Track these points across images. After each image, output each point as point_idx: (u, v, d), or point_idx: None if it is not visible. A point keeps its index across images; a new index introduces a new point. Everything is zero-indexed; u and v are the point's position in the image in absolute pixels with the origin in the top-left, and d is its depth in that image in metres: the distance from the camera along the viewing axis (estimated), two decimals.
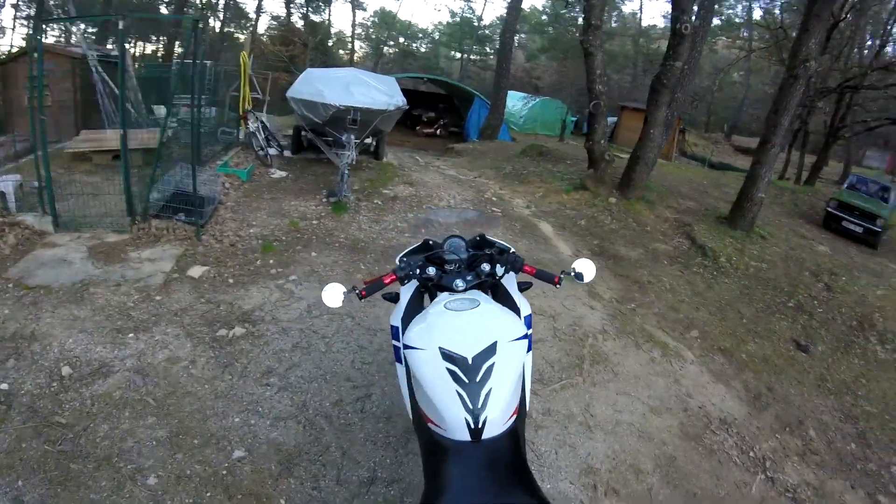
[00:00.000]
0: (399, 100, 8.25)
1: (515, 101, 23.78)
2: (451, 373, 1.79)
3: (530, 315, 2.42)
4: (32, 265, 4.65)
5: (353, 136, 7.50)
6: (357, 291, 2.23)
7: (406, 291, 2.49)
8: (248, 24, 29.90)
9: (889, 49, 19.85)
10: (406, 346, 2.00)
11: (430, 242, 2.76)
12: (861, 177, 14.72)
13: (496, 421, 1.77)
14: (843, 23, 16.78)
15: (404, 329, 2.30)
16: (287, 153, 9.47)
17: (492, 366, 1.82)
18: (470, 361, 1.82)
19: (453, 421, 1.75)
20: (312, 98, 7.59)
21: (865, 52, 21.99)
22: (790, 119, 9.18)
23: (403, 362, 2.21)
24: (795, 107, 9.21)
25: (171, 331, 4.09)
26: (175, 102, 7.24)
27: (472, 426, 1.72)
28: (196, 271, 4.97)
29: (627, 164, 9.81)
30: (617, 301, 6.05)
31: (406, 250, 2.83)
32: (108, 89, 7.57)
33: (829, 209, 12.15)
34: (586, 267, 2.42)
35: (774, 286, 7.42)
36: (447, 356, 1.84)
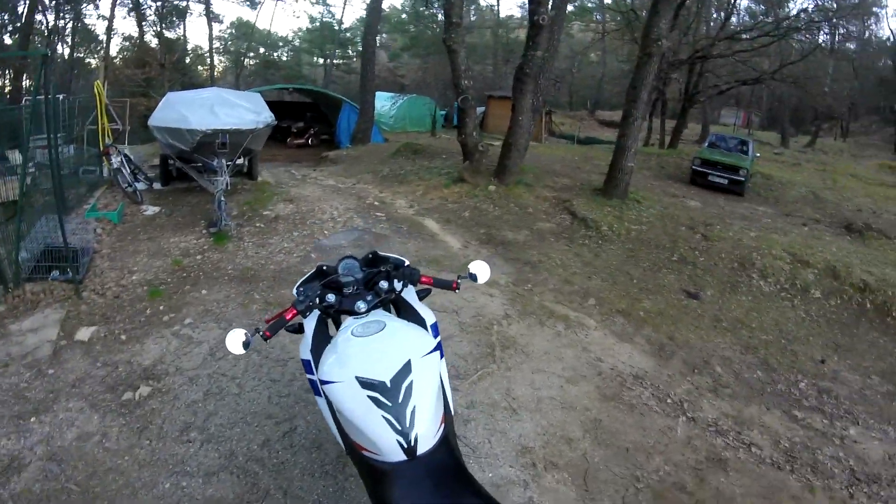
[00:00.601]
0: (267, 116, 8.03)
1: (383, 102, 23.83)
2: (373, 399, 1.83)
3: (436, 323, 2.49)
4: None
5: (224, 161, 7.22)
6: (261, 333, 2.18)
7: (310, 322, 2.43)
8: (99, 48, 26.97)
9: (734, 19, 22.10)
10: (323, 382, 2.02)
11: (325, 268, 2.68)
12: (719, 135, 16.53)
13: (427, 435, 1.84)
14: (689, 0, 18.47)
15: (316, 361, 2.29)
16: (157, 185, 9.00)
17: (410, 384, 1.87)
18: (388, 384, 1.85)
19: (386, 445, 1.79)
20: (177, 125, 7.21)
21: (712, 24, 24.29)
22: (648, 92, 10.03)
23: (323, 395, 2.20)
24: (652, 81, 10.07)
25: (74, 405, 3.92)
26: (30, 145, 6.57)
27: (406, 446, 1.77)
28: (84, 334, 4.71)
29: (501, 152, 10.24)
30: (513, 284, 6.34)
31: (301, 279, 2.77)
32: None
33: (695, 167, 13.54)
34: (480, 268, 2.57)
35: (656, 244, 8.01)
36: (365, 384, 1.87)
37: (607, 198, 9.66)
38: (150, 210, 7.67)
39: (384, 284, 2.42)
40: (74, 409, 3.85)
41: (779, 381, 4.88)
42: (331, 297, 2.34)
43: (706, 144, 15.61)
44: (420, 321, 2.42)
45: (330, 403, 2.09)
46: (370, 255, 2.70)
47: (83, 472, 3.35)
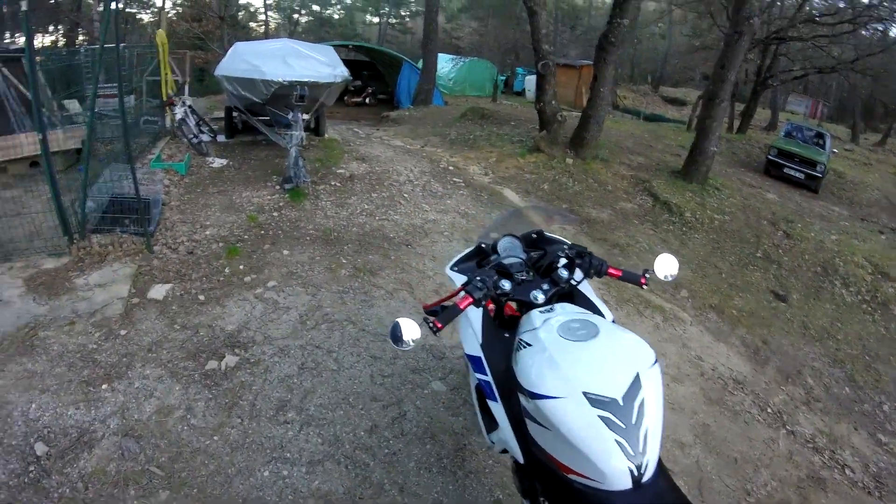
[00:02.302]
0: (343, 70, 7.45)
1: (443, 64, 23.08)
2: (605, 420, 1.55)
3: (614, 320, 2.18)
4: None
5: (299, 114, 6.65)
6: (430, 324, 1.90)
7: (475, 312, 2.20)
8: (152, 2, 26.78)
9: (817, 2, 20.75)
10: (536, 395, 1.68)
11: (483, 246, 2.49)
12: (796, 125, 15.53)
13: (654, 460, 1.59)
14: None
15: (486, 355, 2.10)
16: (221, 138, 8.45)
17: (642, 402, 1.60)
18: (621, 402, 1.58)
19: (614, 472, 1.53)
20: (249, 75, 6.66)
21: (787, 3, 22.93)
22: (736, 73, 9.38)
23: (499, 401, 2.00)
24: (740, 62, 9.46)
25: (151, 372, 3.37)
26: (88, 95, 6.11)
27: (636, 473, 1.52)
28: (158, 292, 4.16)
29: (579, 123, 9.64)
30: None
31: (456, 258, 2.57)
32: (13, 88, 6.25)
33: (770, 157, 12.77)
34: (668, 263, 2.32)
35: (740, 238, 7.71)
36: (595, 401, 1.58)
37: (687, 181, 9.20)
38: (218, 162, 7.12)
39: (564, 273, 2.17)
40: (152, 377, 3.31)
41: (865, 400, 4.85)
42: (505, 285, 2.10)
43: (782, 134, 14.77)
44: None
45: (522, 413, 1.81)
46: (534, 235, 2.49)
47: (167, 453, 2.82)
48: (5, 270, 4.17)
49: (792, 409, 4.36)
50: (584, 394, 1.60)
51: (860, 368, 5.31)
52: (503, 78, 26.27)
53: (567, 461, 1.64)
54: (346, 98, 18.48)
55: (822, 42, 18.21)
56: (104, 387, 3.18)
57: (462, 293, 2.01)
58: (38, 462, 2.68)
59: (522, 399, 1.76)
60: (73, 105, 7.23)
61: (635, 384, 1.62)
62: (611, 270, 2.22)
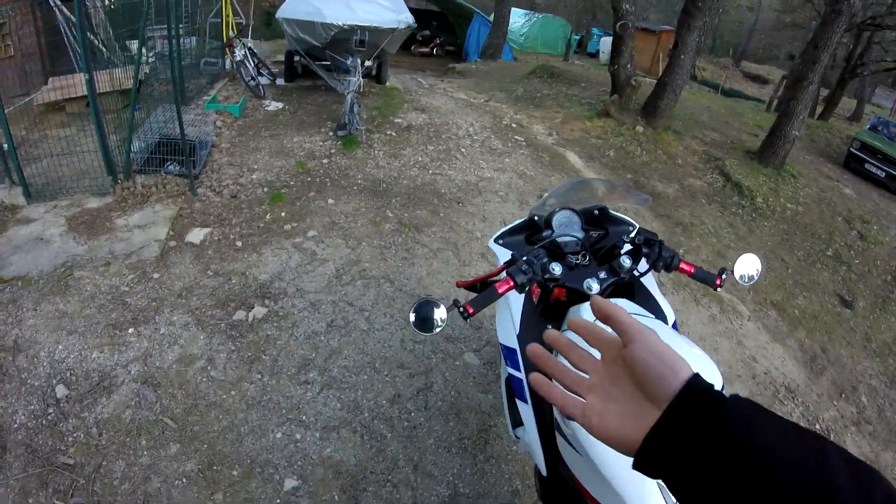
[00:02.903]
0: (407, 16, 7.15)
1: (516, 19, 21.98)
2: None
3: (676, 321, 1.93)
4: (6, 250, 3.74)
5: (359, 60, 6.45)
6: (460, 308, 1.60)
7: (516, 295, 1.88)
8: None
9: None
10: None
11: (535, 218, 2.12)
12: (883, 119, 14.30)
13: None
14: None
15: (523, 349, 1.79)
16: (280, 82, 8.33)
17: None
18: None
19: None
20: (309, 18, 6.48)
21: None
22: (828, 55, 8.59)
23: (529, 402, 1.75)
24: (836, 43, 8.62)
25: (178, 319, 3.31)
26: (150, 35, 6.08)
27: None
28: (196, 235, 4.11)
29: (654, 91, 8.98)
30: None
31: (503, 230, 2.22)
32: (74, 28, 6.34)
33: (852, 150, 11.88)
34: (751, 263, 1.96)
35: (812, 232, 7.19)
36: None
37: (762, 164, 8.54)
38: (273, 106, 7.01)
39: (626, 262, 1.80)
40: (178, 324, 3.26)
41: None
42: (556, 268, 1.73)
43: (867, 127, 13.51)
44: (660, 316, 1.88)
45: (554, 426, 1.61)
46: (596, 212, 2.12)
47: (182, 405, 2.76)
48: (50, 209, 4.20)
49: (841, 427, 4.05)
50: None
51: None
52: (577, 38, 25.05)
53: (597, 494, 1.44)
54: (413, 47, 18.14)
55: None
56: (130, 331, 3.15)
57: (503, 274, 1.73)
58: (58, 405, 2.68)
59: (557, 415, 1.54)
60: (134, 46, 7.26)
61: None
62: (683, 266, 1.89)
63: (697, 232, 6.20)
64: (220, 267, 3.83)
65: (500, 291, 1.65)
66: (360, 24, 6.40)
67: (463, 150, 6.61)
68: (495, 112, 8.83)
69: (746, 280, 1.96)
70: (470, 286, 2.13)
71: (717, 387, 1.27)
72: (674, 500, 1.16)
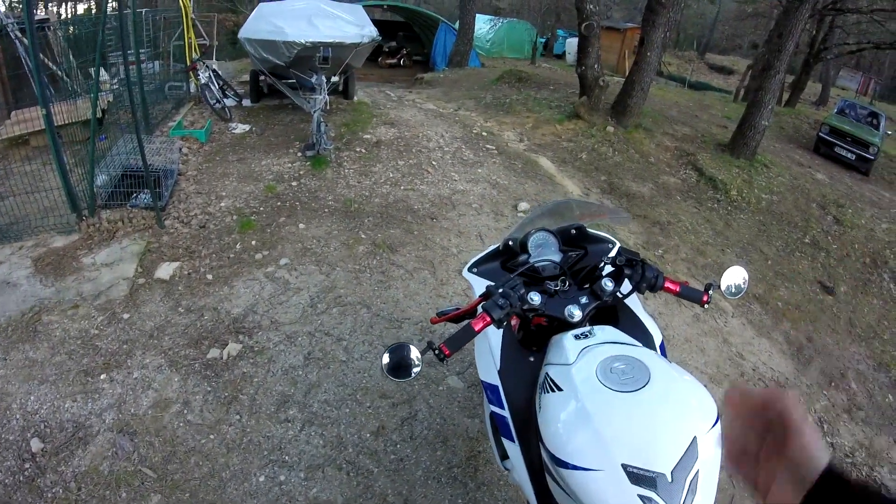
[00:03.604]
0: (371, 30, 7.11)
1: (481, 25, 22.13)
2: (645, 499, 1.17)
3: (663, 342, 1.84)
4: None
5: (323, 77, 6.36)
6: (436, 350, 1.51)
7: (494, 331, 1.79)
8: None
9: None
10: (562, 463, 1.30)
11: (510, 244, 2.06)
12: (849, 101, 14.79)
13: None
14: None
15: (505, 385, 1.74)
16: (246, 102, 8.22)
17: (696, 476, 1.20)
18: (670, 479, 1.19)
19: None
20: (272, 37, 6.40)
21: None
22: (794, 43, 8.78)
23: (516, 440, 1.66)
24: (800, 31, 8.82)
25: (151, 361, 3.22)
26: (112, 62, 6.00)
27: None
28: (165, 271, 4.01)
29: (622, 90, 9.04)
30: (643, 247, 5.58)
31: (476, 258, 2.16)
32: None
33: (822, 134, 12.16)
34: (736, 275, 1.90)
35: (788, 221, 7.29)
36: (636, 477, 1.20)
37: (734, 156, 8.65)
38: (240, 128, 6.91)
39: (608, 285, 1.73)
40: (151, 367, 3.16)
41: None
42: (535, 298, 1.65)
43: (835, 111, 14.01)
44: (646, 336, 1.81)
45: (542, 467, 1.50)
46: (573, 231, 2.06)
47: (160, 453, 2.67)
48: (16, 250, 4.07)
49: (833, 417, 4.08)
50: (624, 467, 1.22)
51: None
52: (543, 40, 25.27)
53: None
54: (380, 59, 18.16)
55: (881, 16, 16.93)
56: (102, 377, 3.05)
57: (479, 308, 1.64)
58: (34, 459, 2.58)
59: (545, 454, 1.42)
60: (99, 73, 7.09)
61: (690, 453, 1.23)
62: (668, 285, 1.80)
63: (675, 230, 6.24)
64: (192, 303, 3.73)
65: (476, 329, 1.57)
66: (323, 40, 6.33)
67: (434, 162, 6.57)
68: (465, 121, 8.81)
69: (733, 291, 1.91)
70: (446, 321, 2.07)
71: (714, 416, 1.32)
72: None
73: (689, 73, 23.49)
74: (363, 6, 8.85)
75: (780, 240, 6.80)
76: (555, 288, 1.74)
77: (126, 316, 3.53)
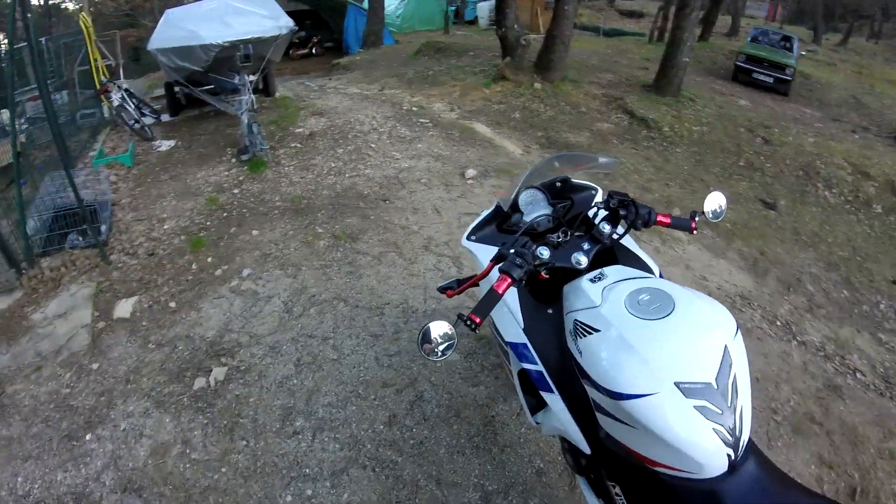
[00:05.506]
0: (287, 21, 6.81)
1: (390, 1, 21.68)
2: (701, 409, 1.33)
3: (661, 273, 1.98)
4: None
5: (247, 76, 6.05)
6: (465, 320, 1.54)
7: (511, 292, 1.85)
8: None
9: None
10: (620, 395, 1.40)
11: (502, 206, 2.18)
12: (761, 29, 15.50)
13: (747, 438, 1.42)
14: None
15: (533, 341, 1.79)
16: (165, 117, 7.77)
17: (735, 379, 1.40)
18: (716, 385, 1.36)
19: (711, 461, 1.36)
20: (186, 42, 6.03)
21: None
22: None
23: (555, 391, 1.73)
24: None
25: (135, 407, 3.01)
26: (18, 99, 5.47)
27: (734, 457, 1.36)
28: (124, 308, 3.74)
29: (544, 46, 9.19)
30: None
31: (472, 226, 2.26)
32: None
33: (739, 63, 12.80)
34: (716, 199, 2.09)
35: (721, 148, 7.63)
36: (689, 391, 1.35)
37: (660, 95, 9.05)
38: (165, 145, 6.53)
39: (606, 228, 1.86)
40: (138, 413, 2.95)
41: (862, 301, 4.83)
42: (544, 253, 1.73)
43: (749, 39, 14.66)
44: (645, 271, 1.91)
45: (592, 407, 1.58)
46: (558, 184, 2.16)
47: (174, 501, 2.50)
48: None
49: (798, 318, 4.26)
50: (677, 384, 1.36)
51: (854, 270, 5.32)
52: (453, 8, 24.96)
53: (654, 456, 1.44)
54: (290, 51, 17.57)
55: None
56: (88, 437, 2.82)
57: (494, 272, 1.71)
58: None
59: (594, 394, 1.51)
60: (4, 115, 6.50)
61: (725, 360, 1.40)
62: (660, 218, 1.94)
63: (619, 172, 6.38)
64: (161, 336, 3.50)
65: (500, 292, 1.60)
66: (241, 38, 6.06)
67: (373, 145, 6.41)
68: (393, 99, 8.69)
69: (717, 214, 2.09)
70: (461, 291, 2.07)
71: (734, 325, 1.51)
72: (729, 436, 1.34)
73: (602, 22, 23.80)
74: None
75: (716, 167, 7.11)
76: (557, 240, 1.81)
77: (95, 366, 3.28)
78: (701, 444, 1.34)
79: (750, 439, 1.45)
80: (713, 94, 10.32)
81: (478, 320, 1.53)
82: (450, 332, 1.52)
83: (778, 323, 4.13)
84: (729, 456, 1.36)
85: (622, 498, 1.64)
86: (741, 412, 1.38)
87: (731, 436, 1.34)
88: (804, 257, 5.32)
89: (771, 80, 12.06)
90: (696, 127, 8.00)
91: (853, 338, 4.18)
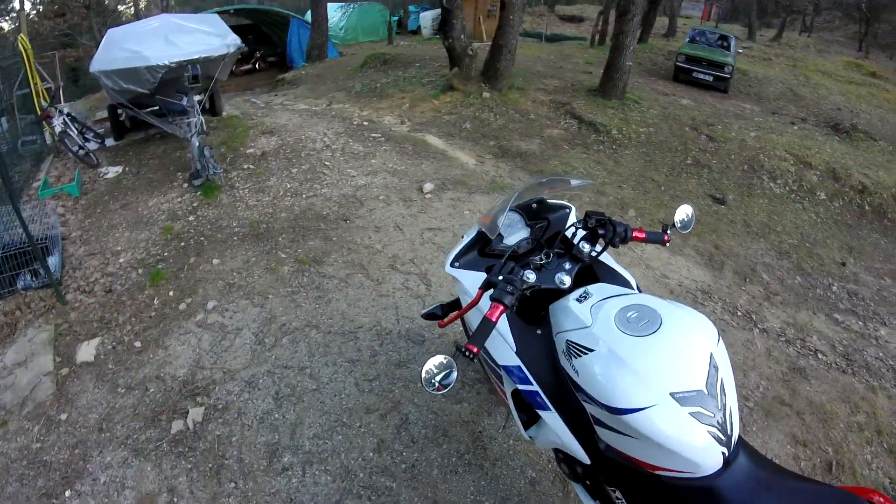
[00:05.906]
0: (234, 38, 6.58)
1: (333, 13, 21.49)
2: (695, 415, 1.46)
3: (638, 287, 2.09)
4: None
5: (195, 97, 5.84)
6: (463, 350, 1.60)
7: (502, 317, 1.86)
8: (10, 6, 22.67)
9: None
10: (621, 411, 1.51)
11: (481, 229, 2.21)
12: (698, 29, 16.00)
13: (737, 434, 1.56)
14: None
15: (527, 363, 1.85)
16: (109, 142, 7.41)
17: (722, 382, 1.53)
18: (706, 391, 1.49)
19: (709, 461, 1.48)
20: (131, 64, 5.73)
21: None
22: None
23: (552, 408, 1.80)
24: None
25: (113, 458, 2.90)
26: None
27: (727, 454, 1.50)
28: (87, 352, 3.59)
29: (490, 55, 9.30)
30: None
31: (455, 252, 2.30)
32: None
33: (679, 63, 13.12)
34: (684, 210, 2.23)
35: (668, 147, 7.84)
36: (683, 399, 1.47)
37: (606, 99, 9.27)
38: (112, 171, 6.24)
39: (585, 247, 1.98)
40: (116, 464, 2.84)
41: (816, 285, 5.03)
42: (530, 277, 1.82)
43: (687, 40, 15.05)
44: (624, 286, 2.02)
45: (590, 421, 1.67)
46: (534, 205, 2.26)
47: None
48: None
49: (757, 307, 4.47)
50: (672, 395, 1.47)
51: (804, 256, 5.53)
52: (396, 19, 25.08)
53: (655, 461, 1.54)
54: (234, 67, 17.29)
55: None
56: (68, 493, 2.70)
57: (486, 300, 1.75)
58: None
59: (593, 409, 1.61)
60: None
61: (712, 366, 1.53)
62: (635, 234, 2.04)
63: (571, 178, 6.47)
64: (130, 379, 3.38)
65: (494, 320, 1.65)
66: (189, 58, 5.83)
67: (327, 163, 6.35)
68: (342, 114, 8.65)
69: (685, 224, 2.23)
70: (452, 321, 2.14)
71: (716, 333, 1.63)
72: (722, 436, 1.45)
73: (543, 28, 24.21)
74: (211, 14, 8.24)
75: (665, 166, 7.31)
76: (540, 262, 1.90)
77: (63, 416, 3.14)
78: (698, 447, 1.46)
79: (739, 434, 1.57)
80: (657, 94, 10.61)
81: (475, 350, 1.58)
82: (445, 362, 1.58)
83: (738, 313, 4.31)
84: (723, 453, 1.48)
85: (623, 501, 1.74)
86: (730, 411, 1.50)
87: (723, 435, 1.47)
88: (756, 248, 5.52)
89: (711, 78, 12.44)
90: (643, 128, 8.22)
91: (811, 321, 4.38)
